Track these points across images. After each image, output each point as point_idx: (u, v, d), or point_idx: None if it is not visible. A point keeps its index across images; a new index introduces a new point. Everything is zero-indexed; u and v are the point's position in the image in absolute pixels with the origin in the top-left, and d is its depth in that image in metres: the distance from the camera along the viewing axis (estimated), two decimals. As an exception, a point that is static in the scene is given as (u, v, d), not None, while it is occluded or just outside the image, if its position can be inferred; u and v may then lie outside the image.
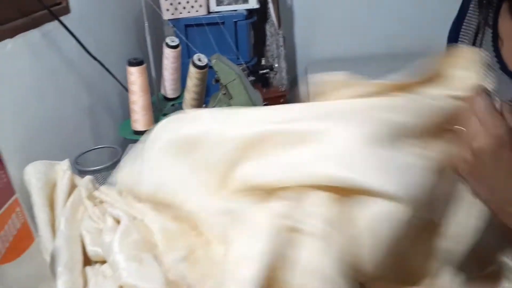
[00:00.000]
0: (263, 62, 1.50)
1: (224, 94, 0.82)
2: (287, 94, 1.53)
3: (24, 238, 0.54)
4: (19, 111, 0.90)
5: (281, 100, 1.47)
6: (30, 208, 0.64)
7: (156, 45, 1.38)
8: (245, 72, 0.90)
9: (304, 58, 1.83)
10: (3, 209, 0.49)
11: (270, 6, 1.59)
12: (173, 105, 1.23)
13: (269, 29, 1.62)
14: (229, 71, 0.80)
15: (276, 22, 1.60)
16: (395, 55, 1.75)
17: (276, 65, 1.56)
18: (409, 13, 1.68)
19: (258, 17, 1.58)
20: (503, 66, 0.69)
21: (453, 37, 0.80)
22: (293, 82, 1.87)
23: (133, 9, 1.55)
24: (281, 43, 1.61)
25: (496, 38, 0.72)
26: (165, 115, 1.19)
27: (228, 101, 0.82)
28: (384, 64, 1.70)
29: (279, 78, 1.61)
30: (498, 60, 0.70)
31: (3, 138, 0.84)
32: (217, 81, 0.83)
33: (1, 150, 0.49)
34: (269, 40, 1.61)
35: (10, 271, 0.50)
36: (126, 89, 1.12)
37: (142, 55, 1.55)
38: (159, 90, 1.27)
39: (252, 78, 0.93)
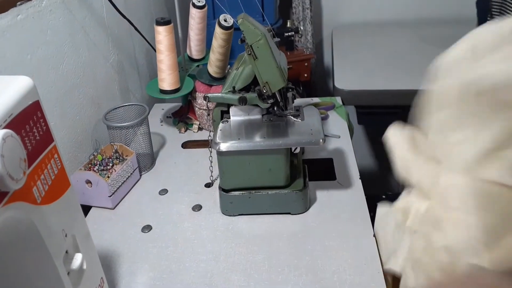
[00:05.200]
0: (288, 24, 1.49)
1: (249, 54, 0.83)
2: (312, 58, 1.52)
3: (61, 183, 0.58)
4: (57, 65, 0.93)
5: (306, 64, 1.47)
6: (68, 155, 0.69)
7: (182, 5, 1.39)
8: (271, 33, 0.90)
9: (330, 22, 1.80)
10: (43, 154, 0.53)
11: (298, -33, 1.56)
12: (198, 65, 1.25)
13: (296, -9, 1.60)
14: (255, 31, 0.81)
15: (303, -16, 1.58)
16: (424, 21, 1.71)
17: (302, 28, 1.55)
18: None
19: (285, -22, 1.56)
20: None
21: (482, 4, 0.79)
22: (318, 45, 1.86)
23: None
24: (308, 5, 1.59)
25: None
26: (190, 75, 1.21)
27: (253, 61, 0.83)
28: (412, 30, 1.68)
29: (304, 41, 1.60)
30: None
31: (44, 90, 0.88)
32: (243, 41, 0.84)
33: (41, 100, 0.52)
34: (295, 2, 1.59)
35: (48, 212, 0.54)
36: (153, 48, 1.14)
37: (169, 15, 1.57)
38: (185, 50, 1.29)
39: (277, 39, 0.93)
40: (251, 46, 0.82)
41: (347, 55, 1.53)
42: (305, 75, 1.49)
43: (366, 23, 1.76)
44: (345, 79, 1.38)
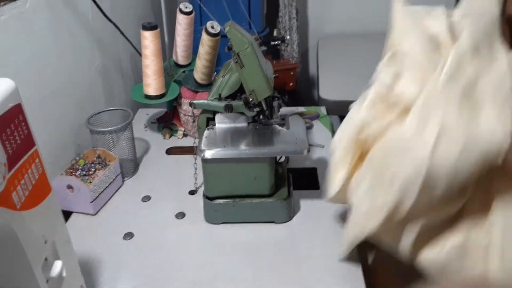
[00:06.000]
0: (275, 33, 1.50)
1: (236, 62, 0.83)
2: (298, 67, 1.53)
3: (42, 188, 0.57)
4: (40, 67, 0.92)
5: (291, 73, 1.48)
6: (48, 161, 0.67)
7: (169, 10, 1.39)
8: (258, 41, 0.90)
9: (316, 31, 1.82)
10: (24, 158, 0.52)
11: (285, -24, 1.58)
12: (184, 71, 1.25)
13: (282, 0, 1.61)
14: (242, 39, 0.81)
15: (290, -6, 1.59)
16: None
17: (288, 37, 1.56)
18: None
19: (272, -13, 1.57)
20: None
21: None
22: (304, 55, 1.87)
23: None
24: (294, 15, 1.60)
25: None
26: (176, 81, 1.20)
27: (240, 69, 0.83)
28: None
29: (290, 51, 1.61)
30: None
31: (27, 92, 0.86)
32: (230, 48, 0.84)
33: (23, 104, 0.51)
34: (282, 12, 1.60)
35: (28, 218, 0.53)
36: (139, 52, 1.13)
37: (155, 19, 1.56)
38: (170, 55, 1.28)
39: (264, 48, 0.93)
40: (238, 54, 0.82)
41: (332, 65, 1.54)
42: (291, 84, 1.50)
43: (352, 34, 1.78)
44: (330, 89, 1.39)
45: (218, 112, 0.88)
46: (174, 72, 1.24)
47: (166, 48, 1.22)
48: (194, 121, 1.12)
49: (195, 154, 0.99)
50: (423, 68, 0.57)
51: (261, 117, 0.89)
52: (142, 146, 1.15)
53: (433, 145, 0.51)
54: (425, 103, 0.54)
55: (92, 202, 0.89)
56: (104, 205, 0.94)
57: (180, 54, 1.25)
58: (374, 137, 0.62)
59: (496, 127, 0.49)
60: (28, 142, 0.53)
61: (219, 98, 0.88)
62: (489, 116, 0.50)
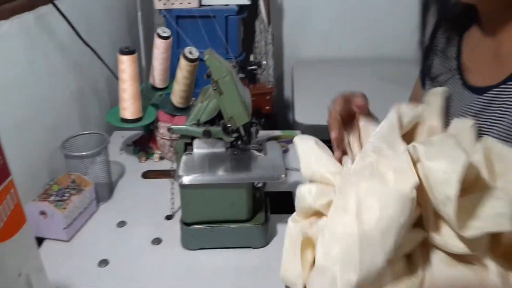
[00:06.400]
0: (251, 58, 1.53)
1: (215, 89, 0.84)
2: (273, 91, 1.56)
3: (17, 219, 0.56)
4: (16, 93, 0.90)
5: (267, 97, 1.50)
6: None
7: (146, 34, 1.39)
8: (236, 68, 0.92)
9: (291, 56, 1.86)
10: None
11: (261, 3, 1.61)
12: (161, 95, 1.25)
13: (258, 25, 1.65)
14: (221, 68, 0.82)
15: (266, 19, 1.63)
16: (381, 59, 1.80)
17: (264, 62, 1.59)
18: (397, 18, 1.72)
19: (249, 13, 1.60)
20: (464, 82, 0.73)
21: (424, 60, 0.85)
22: (280, 78, 1.90)
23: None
24: (270, 40, 1.64)
25: (459, 53, 0.76)
26: (153, 104, 1.20)
27: (219, 96, 0.84)
28: (370, 68, 1.75)
29: (266, 75, 1.63)
30: (460, 76, 0.74)
31: (1, 120, 0.85)
32: (209, 76, 0.85)
33: None
34: (258, 37, 1.64)
35: (2, 250, 0.52)
36: (116, 77, 1.13)
37: (132, 43, 1.56)
38: (147, 78, 1.28)
39: (241, 75, 0.95)
40: (217, 81, 0.83)
41: (307, 89, 1.57)
42: (267, 107, 1.52)
43: (326, 59, 1.83)
44: (305, 113, 1.41)
45: (196, 138, 0.89)
46: (151, 95, 1.24)
47: (143, 71, 1.23)
48: (171, 146, 1.12)
49: (172, 178, 0.99)
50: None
51: (239, 142, 0.89)
52: (117, 170, 1.14)
53: (356, 215, 0.54)
54: (341, 186, 0.60)
55: (65, 228, 0.88)
56: (78, 231, 0.92)
57: (157, 77, 1.26)
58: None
59: (401, 185, 0.53)
60: (3, 172, 0.52)
61: (198, 124, 0.88)
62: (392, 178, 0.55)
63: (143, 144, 1.22)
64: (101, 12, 1.38)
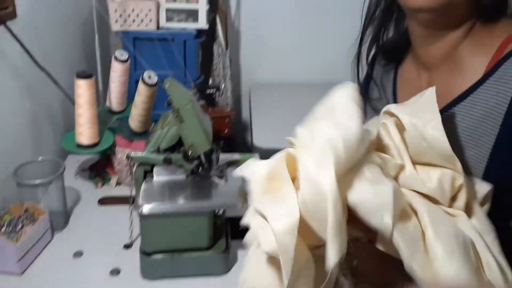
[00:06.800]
0: (210, 82, 1.54)
1: (176, 117, 0.84)
2: (232, 115, 1.58)
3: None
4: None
5: (226, 120, 1.51)
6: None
7: (103, 55, 1.37)
8: (196, 95, 0.93)
9: (248, 80, 1.89)
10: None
11: (219, 27, 1.64)
12: (118, 119, 1.23)
13: (216, 49, 1.67)
14: (182, 96, 0.83)
15: (224, 43, 1.65)
16: (332, 85, 1.86)
17: (223, 85, 1.60)
18: (349, 45, 1.79)
19: (207, 36, 1.62)
20: None
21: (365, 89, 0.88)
22: (238, 101, 1.92)
23: (80, 17, 1.53)
24: (227, 64, 1.66)
25: (395, 87, 0.80)
26: (110, 129, 1.18)
27: (180, 124, 0.85)
28: (322, 92, 1.80)
29: (224, 98, 1.65)
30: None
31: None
32: (169, 104, 0.85)
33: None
34: (216, 60, 1.65)
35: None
36: (72, 101, 1.11)
37: (88, 65, 1.54)
38: (104, 101, 1.26)
39: (202, 102, 0.96)
40: (178, 109, 0.83)
41: (264, 113, 1.60)
42: (226, 131, 1.54)
43: (281, 83, 1.87)
44: (262, 136, 1.44)
45: (156, 164, 0.89)
46: (108, 119, 1.22)
47: (99, 94, 1.21)
48: (131, 173, 1.11)
49: (130, 204, 0.97)
50: None
51: (200, 169, 0.90)
52: (72, 196, 1.11)
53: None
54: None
55: (19, 261, 0.84)
56: (32, 263, 0.88)
57: (114, 100, 1.24)
58: None
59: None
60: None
61: (158, 151, 0.88)
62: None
63: (99, 169, 1.19)
64: (57, 34, 1.35)
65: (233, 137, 1.63)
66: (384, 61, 0.83)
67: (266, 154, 1.44)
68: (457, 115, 0.65)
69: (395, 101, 0.79)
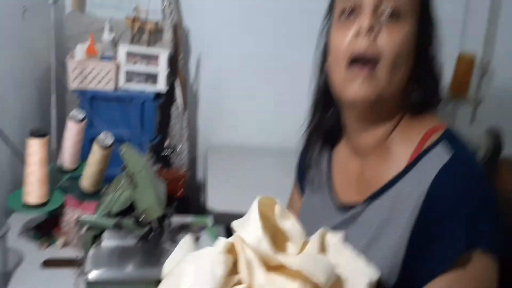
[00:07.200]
0: (166, 142, 1.56)
1: (130, 182, 0.85)
2: (187, 176, 1.59)
3: None
4: None
5: (181, 182, 1.52)
6: None
7: (58, 112, 1.36)
8: (152, 158, 0.95)
9: (205, 141, 1.92)
10: None
11: (178, 90, 1.68)
12: (69, 178, 1.21)
13: (174, 111, 1.70)
14: (137, 162, 0.85)
15: (182, 106, 1.69)
16: (285, 151, 1.90)
17: (179, 146, 1.63)
18: (301, 112, 1.88)
19: (165, 98, 1.65)
20: (332, 197, 0.78)
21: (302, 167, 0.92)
22: (193, 161, 1.94)
23: (38, 73, 1.53)
24: (185, 125, 1.69)
25: (330, 168, 0.83)
26: (60, 187, 1.16)
27: (133, 189, 0.85)
28: (276, 158, 1.86)
29: (180, 159, 1.67)
30: (331, 197, 0.79)
31: None
32: (124, 169, 0.87)
33: None
34: (174, 122, 1.69)
35: None
36: (21, 160, 1.09)
37: (41, 121, 1.52)
38: (56, 159, 1.25)
39: (157, 166, 0.98)
40: (132, 174, 0.85)
41: (220, 175, 1.62)
42: (180, 192, 1.54)
43: (237, 146, 1.91)
44: (217, 199, 1.45)
45: (106, 228, 0.88)
46: (59, 178, 1.20)
47: (51, 152, 1.19)
48: (79, 236, 1.08)
49: (77, 268, 0.94)
50: None
51: (151, 235, 0.90)
52: (14, 258, 1.06)
53: None
54: None
55: None
56: (-38, 333, 0.83)
57: (67, 159, 1.22)
58: None
59: None
60: None
61: (109, 214, 0.88)
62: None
63: (45, 230, 1.15)
64: (12, 88, 1.34)
65: (187, 198, 1.63)
66: (320, 141, 0.85)
67: (220, 216, 1.45)
68: (383, 205, 0.68)
69: (329, 180, 0.81)
